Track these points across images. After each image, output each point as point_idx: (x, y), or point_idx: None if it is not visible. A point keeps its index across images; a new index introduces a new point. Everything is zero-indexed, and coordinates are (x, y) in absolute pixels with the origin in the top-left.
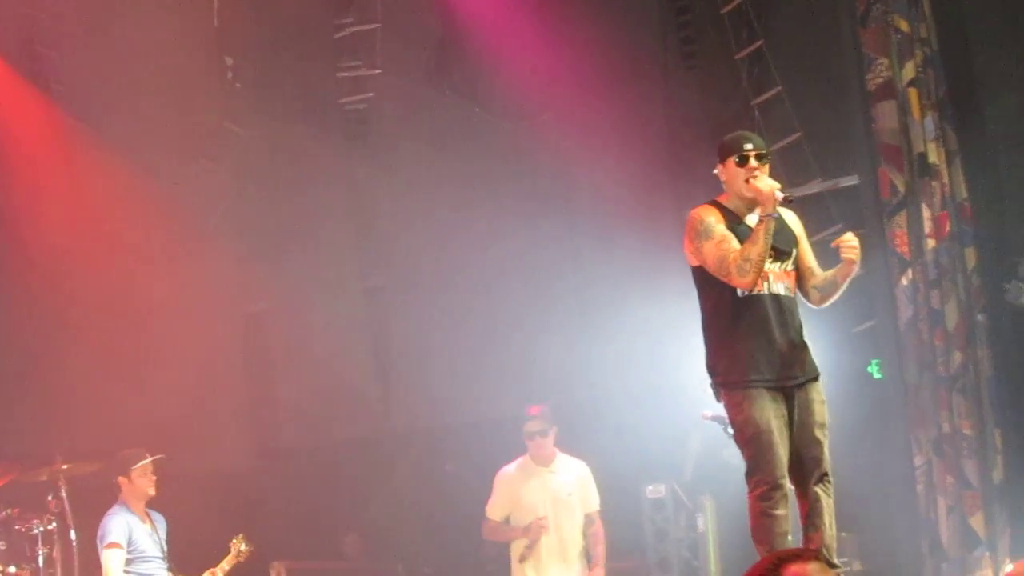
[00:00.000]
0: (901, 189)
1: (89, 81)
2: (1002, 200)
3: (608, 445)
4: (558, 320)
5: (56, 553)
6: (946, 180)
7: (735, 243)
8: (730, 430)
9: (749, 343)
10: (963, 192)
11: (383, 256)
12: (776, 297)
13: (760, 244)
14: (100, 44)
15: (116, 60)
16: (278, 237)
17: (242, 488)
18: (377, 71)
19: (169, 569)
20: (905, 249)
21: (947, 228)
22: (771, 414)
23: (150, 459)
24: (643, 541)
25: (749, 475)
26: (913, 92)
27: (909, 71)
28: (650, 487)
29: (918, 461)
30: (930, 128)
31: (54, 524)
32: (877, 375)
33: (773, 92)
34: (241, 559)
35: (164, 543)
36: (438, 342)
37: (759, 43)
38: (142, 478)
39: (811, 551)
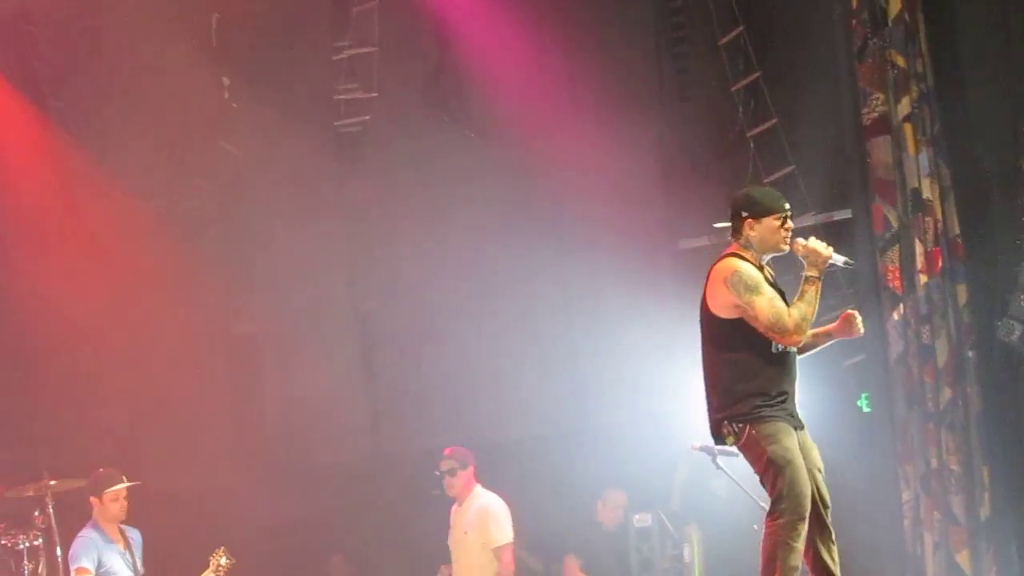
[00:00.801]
0: (894, 224)
1: (85, 99)
2: (994, 237)
3: (596, 474)
4: (546, 347)
5: (41, 569)
6: (939, 216)
7: (781, 301)
8: (719, 461)
9: (776, 388)
10: (955, 228)
11: (375, 280)
12: (790, 351)
13: (815, 304)
14: (97, 62)
15: (113, 78)
16: (269, 258)
17: (227, 507)
18: (374, 94)
19: None
20: (897, 284)
21: (939, 264)
22: (798, 450)
23: (123, 485)
24: (629, 570)
25: (776, 505)
26: (908, 127)
27: (904, 106)
28: (637, 516)
29: (905, 496)
30: (924, 164)
31: (40, 540)
32: (866, 409)
33: (768, 124)
34: (220, 573)
35: (139, 561)
36: (428, 367)
37: (755, 75)
38: (113, 502)
39: None
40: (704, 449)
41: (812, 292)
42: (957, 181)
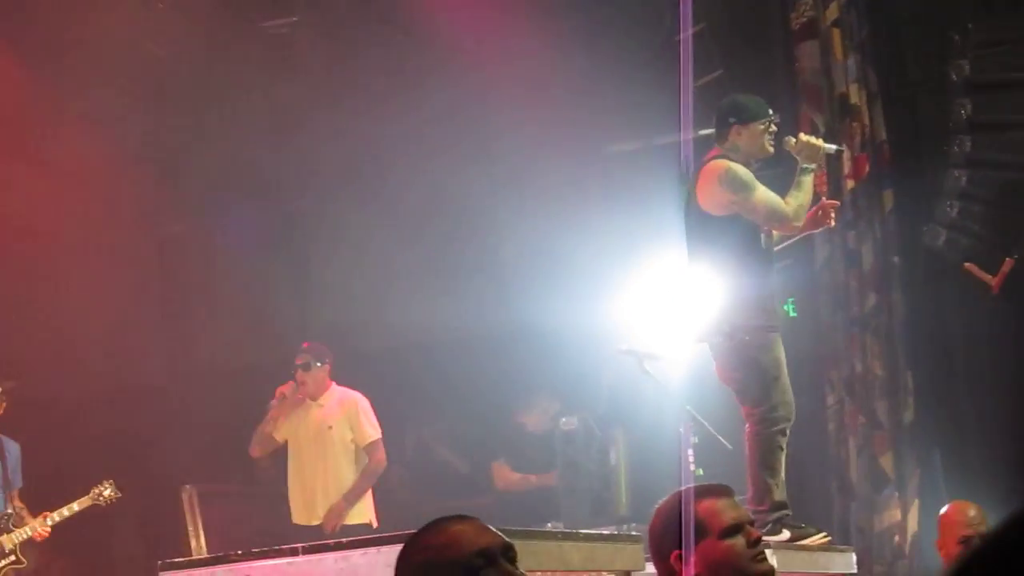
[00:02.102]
0: (821, 129)
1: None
2: (921, 144)
3: (522, 377)
4: (473, 250)
5: None
6: (866, 122)
7: (775, 194)
8: (646, 365)
9: (767, 291)
10: (883, 134)
11: (303, 179)
12: (771, 249)
13: (810, 193)
14: None
15: None
16: (196, 155)
17: (153, 409)
18: None
19: (9, 500)
20: (823, 189)
21: (866, 169)
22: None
23: None
24: (549, 473)
25: (770, 412)
26: (835, 32)
27: (832, 11)
28: (563, 419)
29: (830, 401)
30: (852, 69)
31: None
32: (792, 314)
33: (696, 29)
34: (101, 504)
35: (12, 473)
36: (355, 265)
37: None
38: None
39: (725, 487)
40: (630, 352)
41: (807, 182)
42: (884, 87)
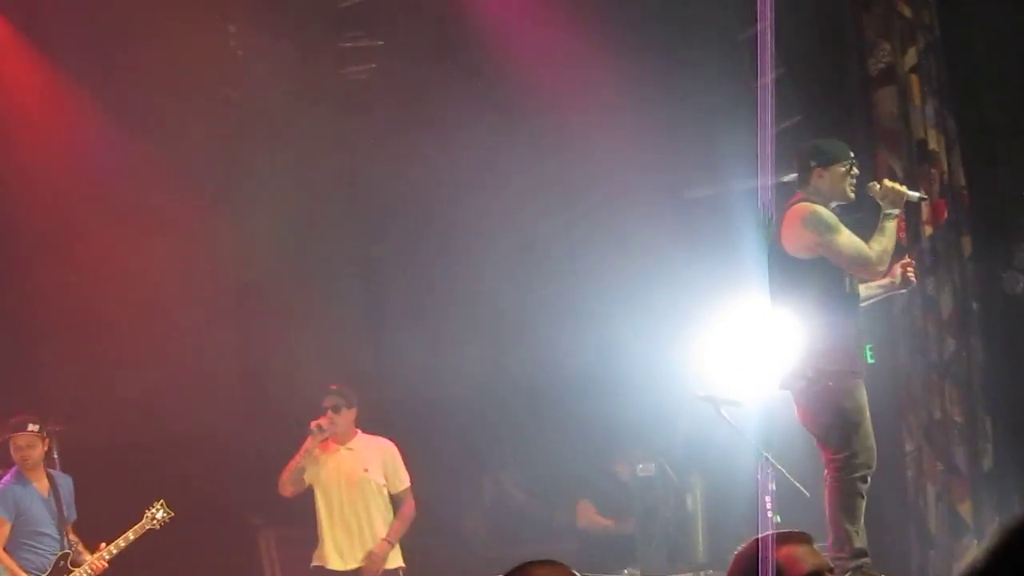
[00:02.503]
0: (899, 175)
1: (89, 43)
2: (999, 189)
3: (599, 423)
4: (549, 299)
5: None
6: (944, 167)
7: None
8: (723, 411)
9: (852, 336)
10: (961, 180)
11: (381, 228)
12: (859, 296)
13: (894, 238)
14: (104, 8)
15: (116, 21)
16: (274, 206)
17: (233, 450)
18: (380, 42)
19: (65, 535)
20: (902, 235)
21: (944, 215)
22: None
23: (25, 432)
24: (630, 519)
25: (850, 459)
26: (914, 78)
27: (911, 57)
28: (640, 465)
29: (908, 447)
30: (930, 115)
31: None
32: (870, 360)
33: (775, 74)
34: (156, 527)
35: (66, 507)
36: (432, 313)
37: (763, 25)
38: (15, 452)
39: (805, 534)
40: (708, 398)
41: (891, 227)
42: (963, 132)
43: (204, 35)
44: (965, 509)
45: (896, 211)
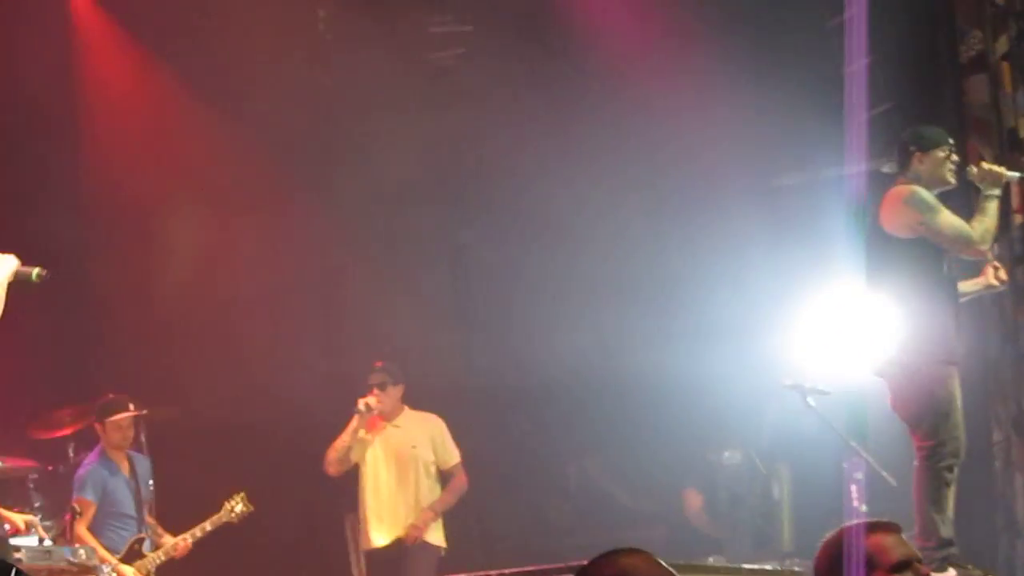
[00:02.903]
0: (1014, 166)
1: (177, 26)
2: None
3: (685, 411)
4: (635, 286)
5: None
6: None
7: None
8: (810, 400)
9: (950, 322)
10: None
11: (469, 213)
12: (956, 280)
13: (996, 218)
14: None
15: (205, 3)
16: (361, 189)
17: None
18: (468, 27)
19: (144, 518)
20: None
21: None
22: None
23: (127, 414)
24: (717, 507)
25: (938, 448)
26: (1006, 66)
27: (1002, 44)
28: (726, 453)
29: (996, 437)
30: (1021, 103)
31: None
32: None
33: (866, 61)
34: (234, 520)
35: (144, 488)
36: (520, 301)
37: (852, 11)
38: (115, 432)
39: (894, 524)
40: (795, 386)
41: (992, 207)
42: None
43: (293, 18)
44: None
45: (996, 191)
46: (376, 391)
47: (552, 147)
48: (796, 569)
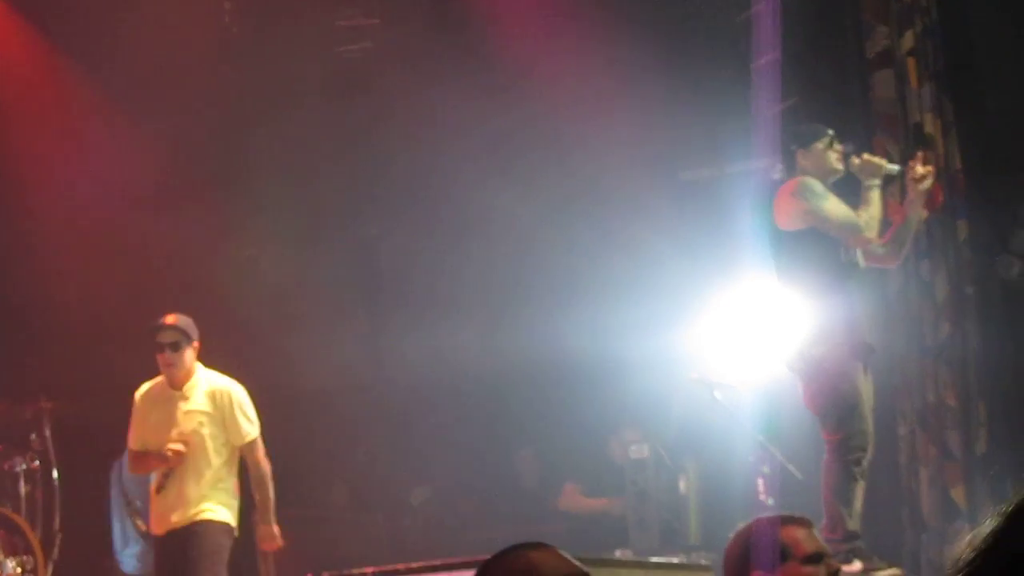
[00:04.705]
0: (896, 158)
1: (85, 20)
2: (995, 173)
3: (592, 404)
4: (543, 280)
5: (38, 492)
6: (941, 151)
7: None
8: (717, 394)
9: (853, 314)
10: (957, 164)
11: (376, 207)
12: (858, 267)
13: (880, 206)
14: None
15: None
16: (268, 181)
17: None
18: (375, 20)
19: None
20: (897, 218)
21: (940, 199)
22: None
23: None
24: (623, 502)
25: (844, 441)
26: (911, 61)
27: (908, 40)
28: (633, 447)
29: (901, 431)
30: (927, 98)
31: (37, 462)
32: None
33: (772, 56)
34: None
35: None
36: (428, 297)
37: (759, 6)
38: None
39: (807, 519)
40: (701, 381)
41: (873, 197)
42: (960, 116)
43: (199, 10)
44: (958, 493)
45: (877, 182)
46: (167, 353)
47: (460, 142)
48: (703, 562)
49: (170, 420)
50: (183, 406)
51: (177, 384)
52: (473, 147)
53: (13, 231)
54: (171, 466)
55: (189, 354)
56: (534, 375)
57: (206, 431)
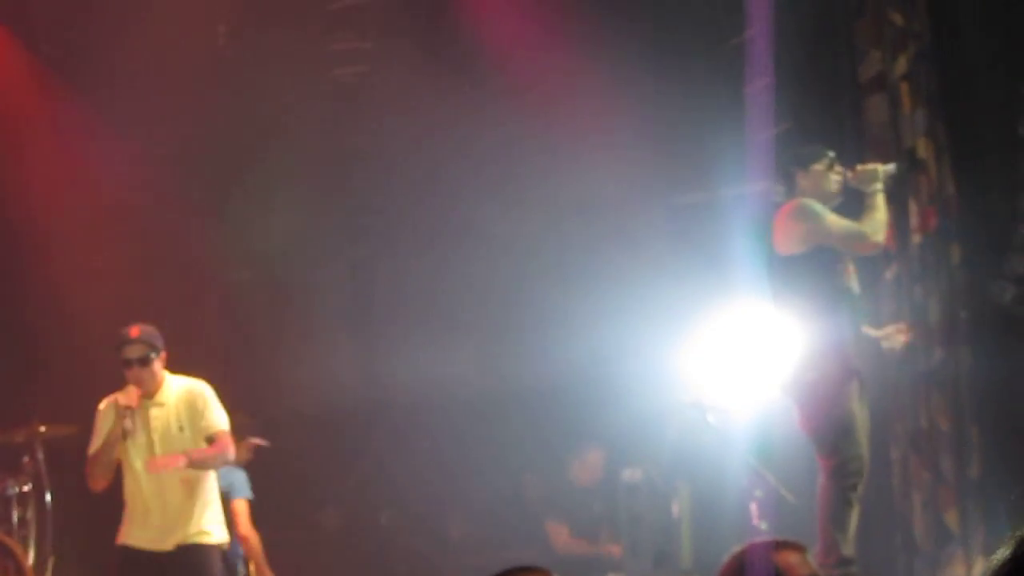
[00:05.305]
0: (888, 182)
1: (79, 44)
2: (989, 197)
3: (587, 428)
4: (536, 302)
5: (30, 515)
6: (933, 175)
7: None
8: (711, 418)
9: (848, 338)
10: (950, 188)
11: (369, 228)
12: (852, 293)
13: (884, 210)
14: (91, 7)
15: (107, 24)
16: (264, 206)
17: None
18: (368, 44)
19: None
20: (890, 242)
21: (933, 223)
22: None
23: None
24: (616, 526)
25: (839, 467)
26: (904, 86)
27: (901, 65)
28: (627, 471)
29: (894, 455)
30: (920, 123)
31: (29, 486)
32: None
33: (765, 81)
34: None
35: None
36: (418, 318)
37: (752, 31)
38: (246, 452)
39: (801, 544)
40: (695, 405)
41: (876, 202)
42: (953, 140)
43: (193, 33)
44: (951, 517)
45: (877, 186)
46: (136, 368)
47: (453, 164)
48: None
49: (146, 428)
50: (156, 413)
51: (150, 395)
52: (466, 169)
53: (3, 256)
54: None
55: (158, 365)
56: (526, 398)
57: (186, 435)
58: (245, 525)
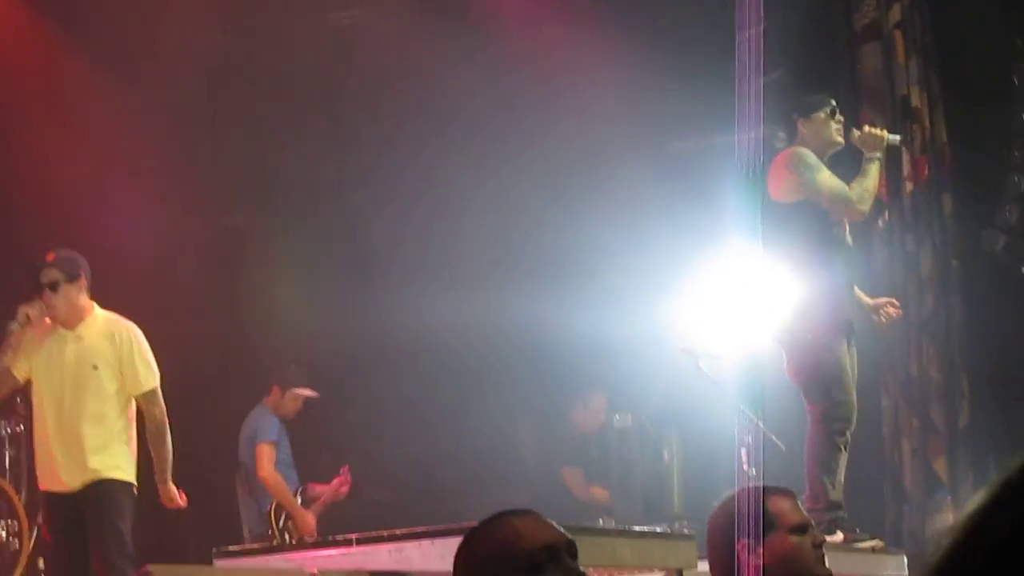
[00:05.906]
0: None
1: None
2: (982, 147)
3: (577, 375)
4: (529, 251)
5: (23, 456)
6: (927, 124)
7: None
8: (702, 364)
9: (840, 287)
10: (943, 137)
11: (361, 175)
12: (846, 244)
13: (876, 179)
14: None
15: None
16: (257, 150)
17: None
18: None
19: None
20: (883, 191)
21: (925, 172)
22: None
23: (308, 394)
24: (607, 472)
25: (828, 411)
26: (898, 34)
27: (896, 13)
28: (616, 416)
29: (884, 404)
30: (914, 71)
31: (21, 427)
32: None
33: (759, 27)
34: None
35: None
36: (413, 266)
37: None
38: (293, 402)
39: (790, 490)
40: (687, 351)
41: (872, 170)
42: (946, 90)
43: None
44: (940, 465)
45: (878, 154)
46: (47, 294)
47: (446, 112)
48: (685, 531)
49: (59, 360)
50: (74, 348)
51: (69, 325)
52: (459, 118)
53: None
54: None
55: (74, 292)
56: (518, 344)
57: (102, 375)
58: (265, 468)
